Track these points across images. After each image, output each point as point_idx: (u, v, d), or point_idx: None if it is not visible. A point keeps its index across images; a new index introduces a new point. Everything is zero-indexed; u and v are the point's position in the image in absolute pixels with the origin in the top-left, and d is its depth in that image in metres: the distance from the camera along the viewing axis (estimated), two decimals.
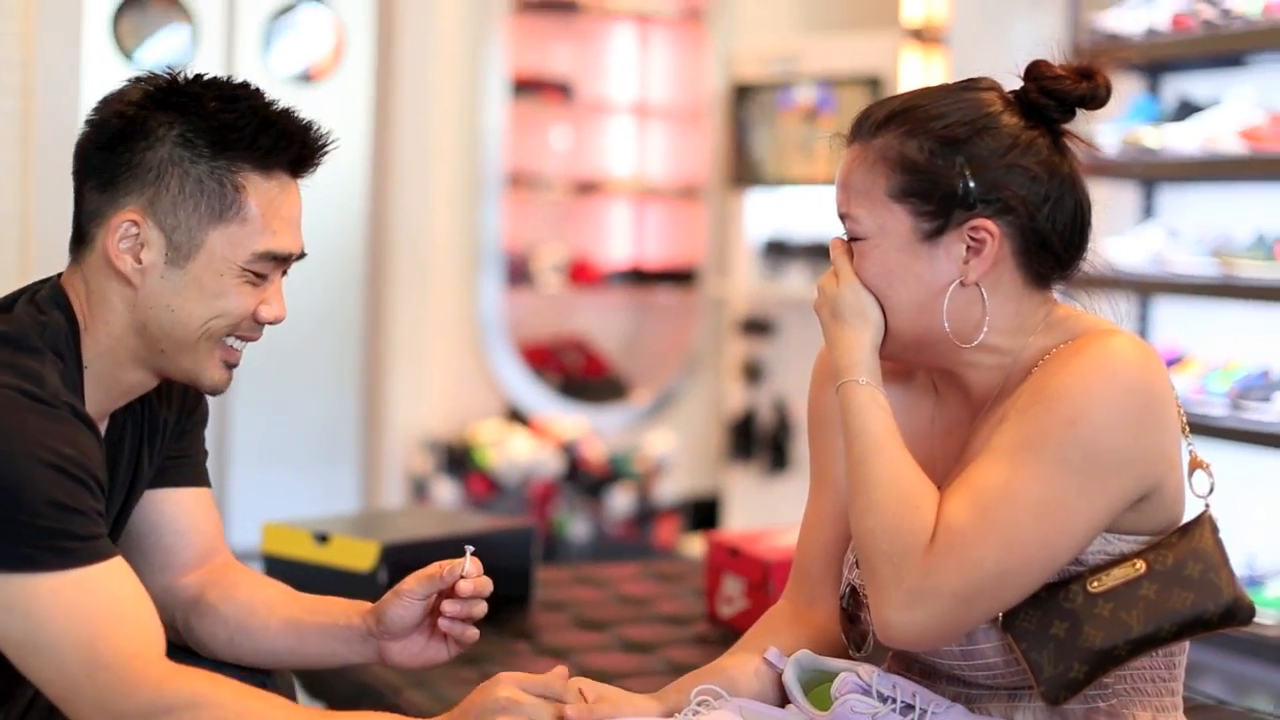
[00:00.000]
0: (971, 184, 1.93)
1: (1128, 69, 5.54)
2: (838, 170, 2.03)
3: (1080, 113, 2.01)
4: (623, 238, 7.82)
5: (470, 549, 2.06)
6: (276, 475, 6.43)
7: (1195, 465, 1.95)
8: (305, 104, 6.89)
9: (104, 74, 5.52)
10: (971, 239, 1.94)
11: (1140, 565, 1.88)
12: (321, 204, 6.49)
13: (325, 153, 2.14)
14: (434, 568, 2.09)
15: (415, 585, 2.13)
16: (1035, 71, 2.00)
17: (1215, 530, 1.93)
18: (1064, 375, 1.87)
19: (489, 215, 6.93)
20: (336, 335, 6.60)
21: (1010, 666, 1.93)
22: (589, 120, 7.65)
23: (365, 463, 6.71)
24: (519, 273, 7.15)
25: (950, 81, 2.06)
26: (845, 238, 2.04)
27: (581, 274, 7.39)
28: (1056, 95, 1.99)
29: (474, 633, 2.09)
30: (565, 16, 7.34)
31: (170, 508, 2.30)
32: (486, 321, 6.97)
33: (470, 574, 2.04)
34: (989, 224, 1.93)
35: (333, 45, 6.32)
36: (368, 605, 2.19)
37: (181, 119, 2.02)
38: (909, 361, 2.07)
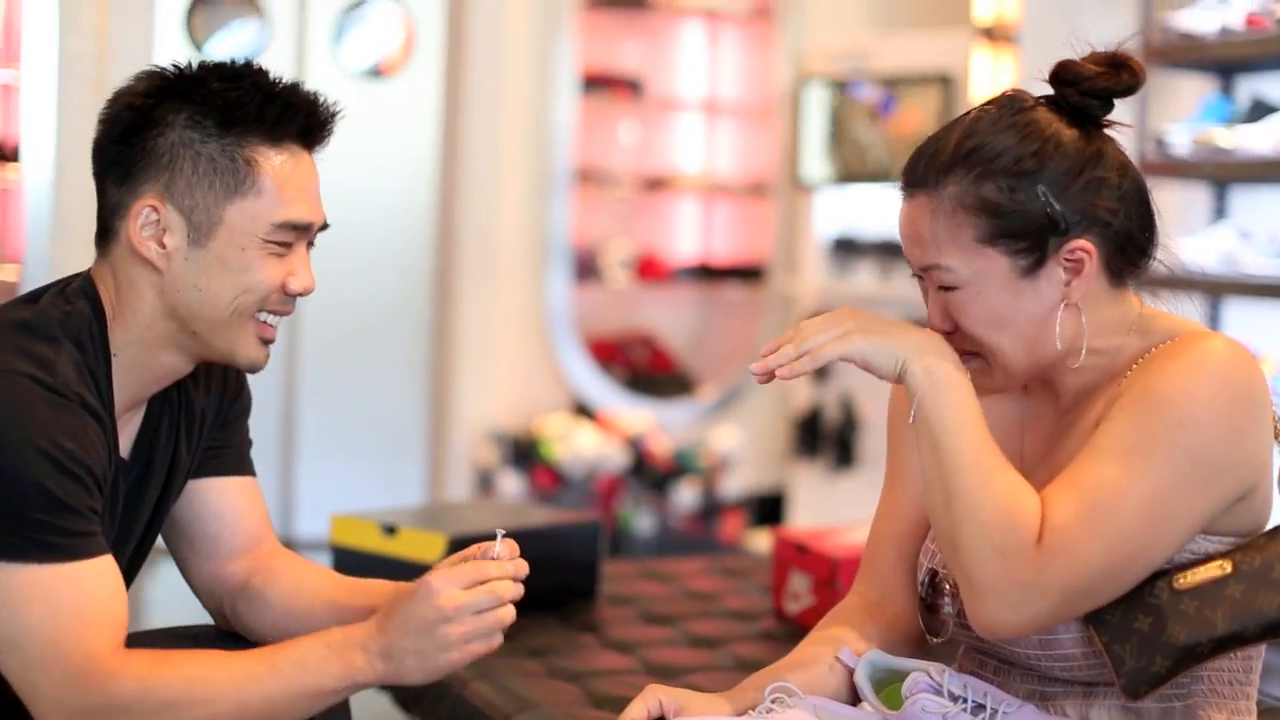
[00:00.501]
0: (1059, 209, 1.92)
1: (1201, 69, 5.50)
2: (904, 222, 2.00)
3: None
4: (691, 234, 7.82)
5: (501, 531, 2.04)
6: (344, 467, 6.47)
7: None
8: (375, 99, 6.96)
9: None
10: (1069, 261, 1.93)
11: (1227, 565, 1.88)
12: (391, 198, 6.58)
13: (334, 122, 2.13)
14: (468, 551, 2.08)
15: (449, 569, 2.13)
16: (1068, 75, 1.98)
17: None
18: (1169, 378, 1.86)
19: (558, 210, 6.95)
20: (405, 329, 6.63)
21: (1088, 660, 1.93)
22: (658, 116, 7.66)
23: (431, 455, 6.74)
24: (587, 268, 7.17)
25: (985, 106, 2.01)
26: (913, 276, 2.02)
27: (649, 270, 7.40)
28: (1097, 94, 1.97)
29: (512, 613, 2.07)
30: (635, 13, 7.35)
31: (214, 497, 2.31)
32: (554, 316, 6.99)
33: (502, 555, 2.03)
34: (1083, 243, 1.92)
35: (403, 40, 6.35)
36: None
37: (188, 103, 2.04)
38: (1019, 385, 2.06)
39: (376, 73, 6.31)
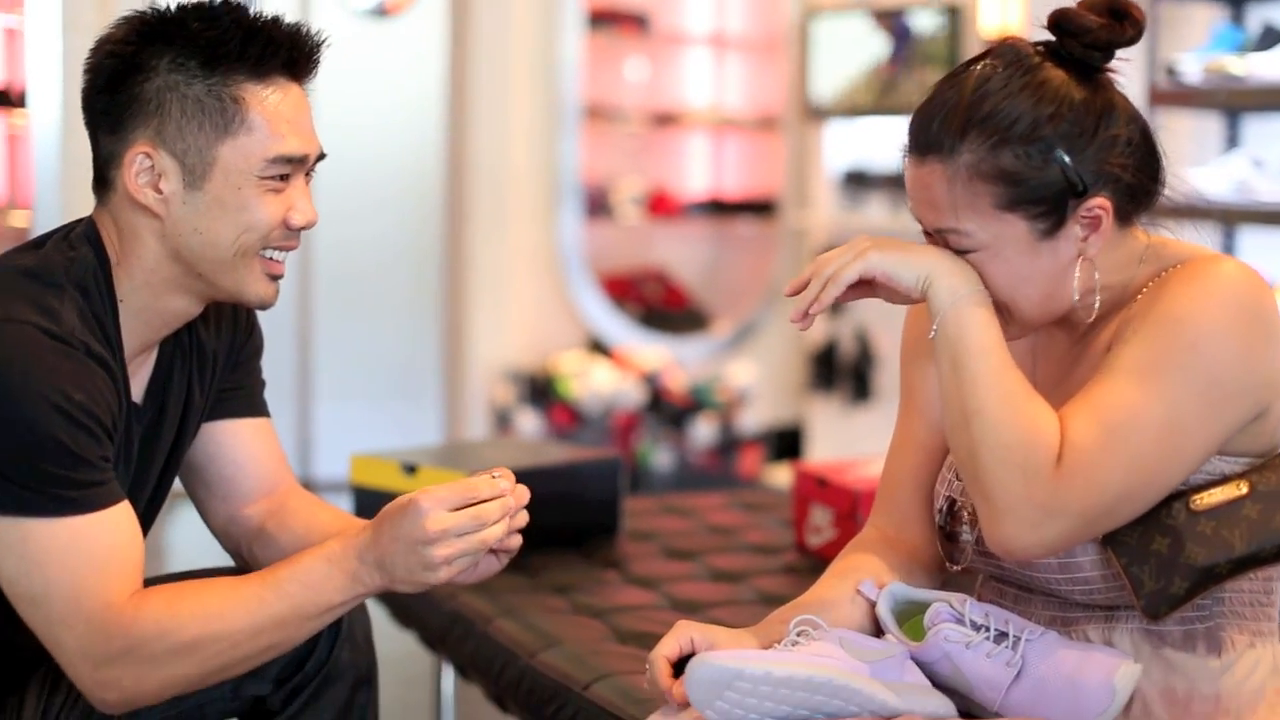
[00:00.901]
0: (1077, 173, 1.91)
1: None
2: (915, 187, 1.98)
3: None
4: (701, 169, 7.81)
5: (496, 473, 2.05)
6: (360, 409, 6.49)
7: None
8: (381, 38, 6.92)
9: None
10: (1085, 218, 1.93)
11: (1243, 486, 1.89)
12: (399, 138, 6.56)
13: (320, 51, 2.11)
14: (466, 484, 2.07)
15: None
16: (1069, 25, 1.95)
17: None
18: (1181, 300, 1.86)
19: (567, 148, 6.94)
20: (417, 269, 6.63)
21: (1108, 583, 1.93)
22: (666, 51, 7.63)
23: (448, 394, 6.75)
24: (598, 205, 7.16)
25: (991, 63, 1.97)
26: (923, 235, 2.03)
27: (660, 206, 7.39)
28: (1099, 45, 1.96)
29: (518, 540, 2.08)
30: None
31: (228, 439, 2.32)
32: (567, 253, 6.98)
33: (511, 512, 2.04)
34: (1100, 200, 1.92)
35: None
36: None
37: (169, 46, 2.02)
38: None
39: (382, 11, 6.28)
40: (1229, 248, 5.45)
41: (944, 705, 1.93)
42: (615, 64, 7.40)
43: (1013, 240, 1.93)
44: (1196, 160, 5.35)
